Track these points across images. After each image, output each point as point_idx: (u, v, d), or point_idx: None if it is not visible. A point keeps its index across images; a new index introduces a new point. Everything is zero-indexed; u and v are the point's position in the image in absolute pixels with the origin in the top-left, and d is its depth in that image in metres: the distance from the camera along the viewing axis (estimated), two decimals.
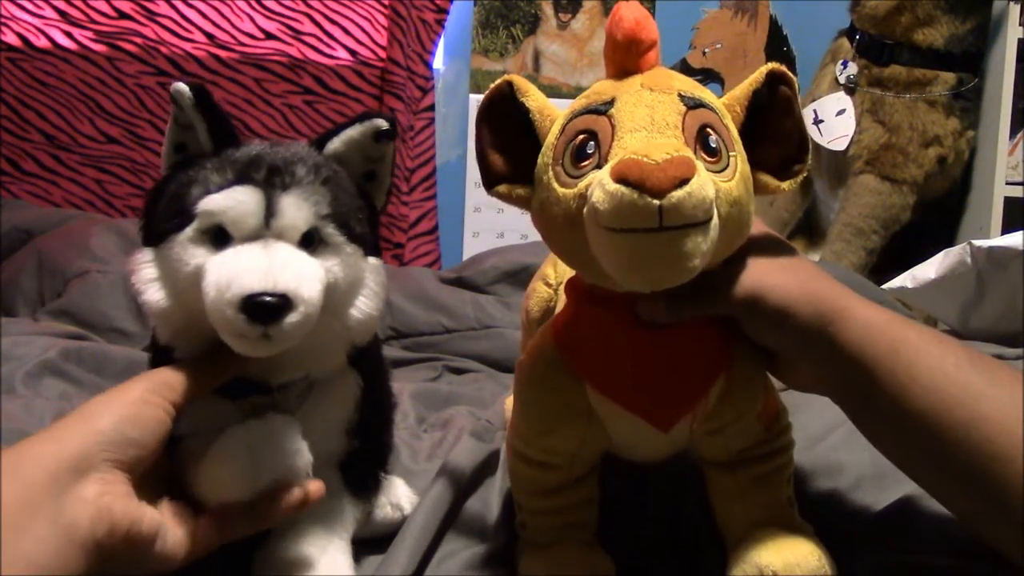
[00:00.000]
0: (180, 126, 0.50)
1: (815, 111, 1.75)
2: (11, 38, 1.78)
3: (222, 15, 1.86)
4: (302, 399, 0.53)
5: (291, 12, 1.88)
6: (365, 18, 1.91)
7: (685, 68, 2.12)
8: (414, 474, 0.69)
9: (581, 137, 0.45)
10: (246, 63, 1.86)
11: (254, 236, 0.47)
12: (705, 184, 0.41)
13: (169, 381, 0.47)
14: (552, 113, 0.49)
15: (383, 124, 0.52)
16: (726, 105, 0.48)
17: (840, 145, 1.72)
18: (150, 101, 1.84)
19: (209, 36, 1.86)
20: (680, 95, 0.45)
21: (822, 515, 0.56)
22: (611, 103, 0.45)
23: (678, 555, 0.59)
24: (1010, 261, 0.89)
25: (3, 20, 1.77)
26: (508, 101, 0.49)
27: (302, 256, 0.47)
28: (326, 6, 1.89)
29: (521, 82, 0.49)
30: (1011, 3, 1.72)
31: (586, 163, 0.44)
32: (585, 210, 0.43)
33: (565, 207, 0.45)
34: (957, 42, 1.66)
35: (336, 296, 0.49)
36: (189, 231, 0.47)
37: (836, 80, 1.74)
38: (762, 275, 0.49)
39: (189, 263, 0.47)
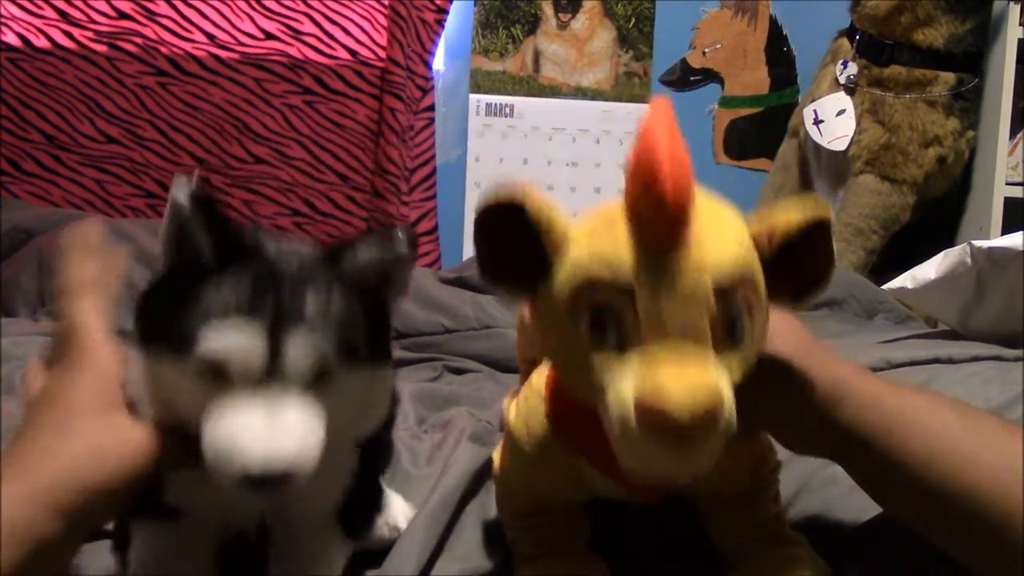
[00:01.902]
0: (178, 225, 0.45)
1: (815, 111, 1.75)
2: (11, 38, 1.78)
3: (222, 15, 1.86)
4: None
5: (291, 12, 1.88)
6: (365, 18, 1.91)
7: (685, 68, 2.12)
8: (413, 478, 0.69)
9: (602, 315, 0.41)
10: (246, 63, 1.86)
11: (257, 380, 0.44)
12: (731, 414, 0.39)
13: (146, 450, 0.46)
14: (564, 234, 0.43)
15: (403, 250, 0.48)
16: (754, 234, 0.43)
17: (840, 145, 1.72)
18: (150, 101, 1.84)
19: (209, 36, 1.85)
20: (716, 280, 0.40)
21: (815, 525, 0.56)
22: (630, 290, 0.40)
23: (671, 563, 0.60)
24: (1010, 261, 0.89)
25: (3, 20, 1.77)
26: (510, 217, 0.43)
27: (305, 414, 0.44)
28: (326, 6, 1.89)
29: (533, 200, 0.43)
30: (1011, 3, 1.72)
31: (608, 344, 0.41)
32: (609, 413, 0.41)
33: (579, 355, 0.42)
34: (957, 42, 1.66)
35: (339, 420, 0.47)
36: (188, 363, 0.44)
37: (836, 80, 1.74)
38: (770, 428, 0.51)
39: (188, 397, 0.45)
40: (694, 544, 0.59)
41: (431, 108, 1.96)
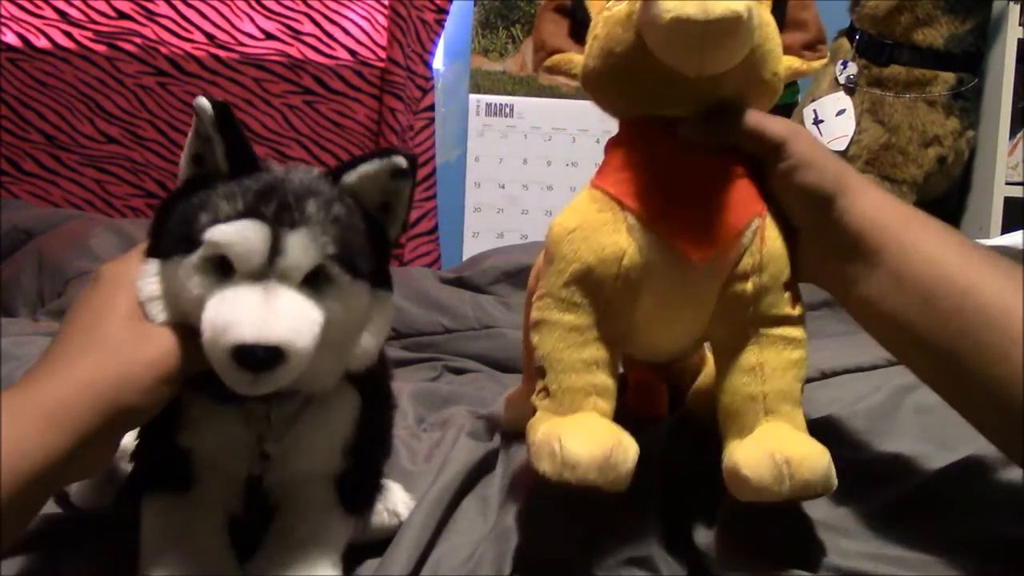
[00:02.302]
0: (200, 138, 0.50)
1: (815, 111, 1.75)
2: (11, 38, 1.78)
3: (222, 15, 1.86)
4: (299, 413, 0.53)
5: (291, 12, 1.88)
6: (365, 18, 1.91)
7: None
8: (412, 475, 0.69)
9: None
10: (246, 63, 1.86)
11: (258, 273, 0.46)
12: (747, 17, 0.45)
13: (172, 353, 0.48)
14: None
15: (402, 163, 0.51)
16: None
17: (840, 145, 1.72)
18: (150, 101, 1.84)
19: (209, 36, 1.86)
20: None
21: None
22: None
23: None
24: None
25: (3, 20, 1.77)
26: None
27: (301, 302, 0.47)
28: (326, 6, 1.89)
29: None
30: (1011, 3, 1.72)
31: None
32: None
33: (620, 18, 0.51)
34: (957, 42, 1.65)
35: (335, 332, 0.49)
36: (194, 258, 0.47)
37: (836, 80, 1.73)
38: (797, 128, 0.54)
39: (192, 291, 0.47)
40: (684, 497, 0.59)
41: (431, 108, 1.96)
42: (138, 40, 1.83)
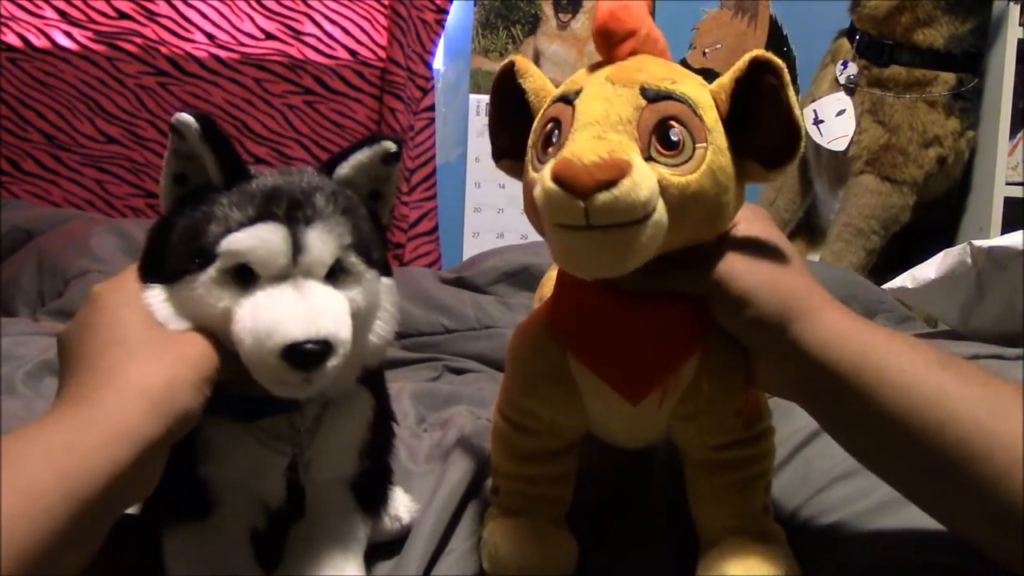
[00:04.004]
0: (180, 157, 0.48)
1: (815, 111, 1.75)
2: (11, 38, 1.78)
3: (222, 15, 1.86)
4: (318, 421, 0.53)
5: (291, 12, 1.88)
6: (365, 18, 1.91)
7: (685, 68, 2.11)
8: (413, 476, 0.69)
9: (549, 125, 0.47)
10: (246, 63, 1.86)
11: (282, 275, 0.46)
12: (638, 185, 0.42)
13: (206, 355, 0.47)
14: (548, 94, 0.50)
15: (391, 147, 0.51)
16: (712, 93, 0.48)
17: (840, 145, 1.72)
18: (150, 101, 1.84)
19: (209, 36, 1.85)
20: (643, 88, 0.46)
21: (798, 515, 0.56)
22: (578, 93, 0.47)
23: (643, 548, 0.60)
24: (1010, 261, 0.89)
25: (3, 20, 1.77)
26: (512, 80, 0.52)
27: (333, 295, 0.47)
28: (326, 6, 1.89)
29: (523, 63, 0.52)
30: (1011, 3, 1.72)
31: (551, 150, 0.46)
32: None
33: (534, 195, 0.46)
34: (957, 42, 1.66)
35: (358, 323, 0.49)
36: (212, 271, 0.46)
37: (836, 80, 1.73)
38: (733, 262, 0.49)
39: (216, 305, 0.46)
40: (672, 533, 0.59)
41: (431, 108, 1.96)
42: (138, 40, 1.83)
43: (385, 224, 0.54)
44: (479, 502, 0.64)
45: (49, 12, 1.80)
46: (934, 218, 1.77)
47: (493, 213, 2.11)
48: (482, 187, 2.10)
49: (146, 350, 0.45)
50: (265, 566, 0.53)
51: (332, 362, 0.45)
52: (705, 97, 0.47)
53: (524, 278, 1.24)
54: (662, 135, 0.45)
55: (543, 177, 0.43)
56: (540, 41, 2.10)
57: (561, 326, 0.53)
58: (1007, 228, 1.70)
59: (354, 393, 0.54)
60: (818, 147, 1.75)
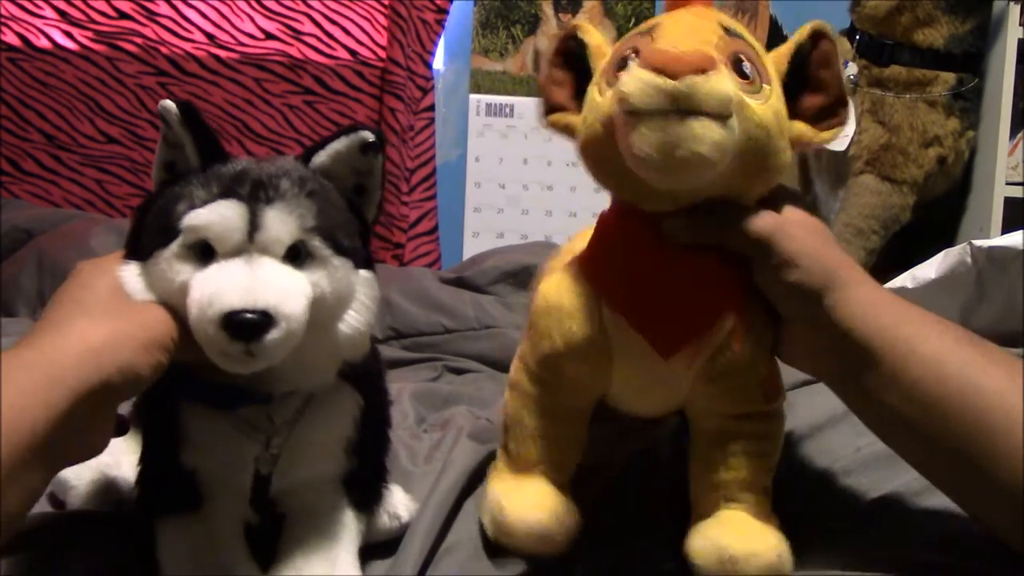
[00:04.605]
0: (169, 145, 0.50)
1: None
2: (11, 38, 1.78)
3: (222, 15, 1.86)
4: (299, 415, 0.53)
5: (291, 12, 1.88)
6: (365, 18, 1.91)
7: None
8: (412, 476, 0.69)
9: (628, 51, 0.49)
10: (246, 63, 1.86)
11: (238, 251, 0.46)
12: (723, 80, 0.44)
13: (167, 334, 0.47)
14: (608, 50, 0.53)
15: (369, 136, 0.51)
16: (772, 58, 0.52)
17: (840, 145, 1.71)
18: (150, 101, 1.84)
19: (209, 36, 1.85)
20: (720, 23, 0.49)
21: (794, 511, 0.56)
22: (656, 26, 0.49)
23: (644, 535, 0.60)
24: (1010, 261, 0.89)
25: (3, 20, 1.77)
26: (573, 39, 0.55)
27: (286, 270, 0.47)
28: (326, 6, 1.89)
29: (586, 25, 0.55)
30: (1011, 3, 1.72)
31: (624, 71, 0.47)
32: (615, 103, 0.46)
33: (603, 112, 0.48)
34: (957, 42, 1.65)
35: (324, 310, 0.49)
36: (174, 247, 0.47)
37: None
38: (784, 222, 0.51)
39: (175, 279, 0.47)
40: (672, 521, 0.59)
41: (431, 108, 1.96)
42: (138, 40, 1.82)
43: (372, 219, 0.54)
44: (477, 501, 0.64)
45: (49, 12, 1.80)
46: (934, 218, 1.77)
47: (493, 213, 2.10)
48: (482, 187, 2.10)
49: (98, 309, 0.46)
50: (262, 561, 0.53)
51: (273, 335, 0.44)
52: (764, 52, 0.51)
53: (524, 278, 1.24)
54: (737, 65, 0.48)
55: (630, 69, 0.45)
56: (540, 41, 2.10)
57: (599, 278, 0.53)
58: (1007, 228, 1.70)
59: (337, 391, 0.54)
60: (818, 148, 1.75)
